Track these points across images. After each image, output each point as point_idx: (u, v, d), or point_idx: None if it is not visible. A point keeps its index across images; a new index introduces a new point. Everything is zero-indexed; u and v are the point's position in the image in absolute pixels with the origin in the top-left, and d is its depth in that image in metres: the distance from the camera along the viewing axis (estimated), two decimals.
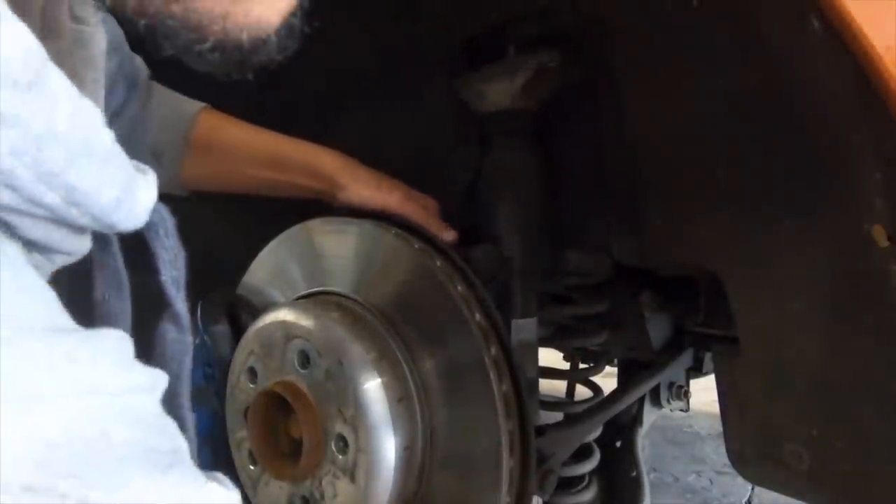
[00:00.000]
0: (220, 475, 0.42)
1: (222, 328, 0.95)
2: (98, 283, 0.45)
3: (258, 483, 0.85)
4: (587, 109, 0.91)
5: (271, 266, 0.95)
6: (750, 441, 0.82)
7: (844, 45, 0.59)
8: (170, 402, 0.44)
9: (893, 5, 0.60)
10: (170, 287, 0.46)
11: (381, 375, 0.78)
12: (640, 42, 0.80)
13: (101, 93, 0.47)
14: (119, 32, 0.76)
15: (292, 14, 0.41)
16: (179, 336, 0.47)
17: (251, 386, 0.85)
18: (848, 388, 0.73)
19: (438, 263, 0.80)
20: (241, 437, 0.86)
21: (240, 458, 0.87)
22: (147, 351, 0.46)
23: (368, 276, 0.84)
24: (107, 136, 0.35)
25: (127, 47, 0.80)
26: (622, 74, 0.83)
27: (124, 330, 0.44)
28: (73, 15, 0.43)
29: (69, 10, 0.42)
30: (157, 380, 0.38)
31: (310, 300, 0.88)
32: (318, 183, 0.90)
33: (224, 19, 0.37)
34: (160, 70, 0.94)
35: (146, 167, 0.42)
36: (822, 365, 0.74)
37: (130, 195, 0.38)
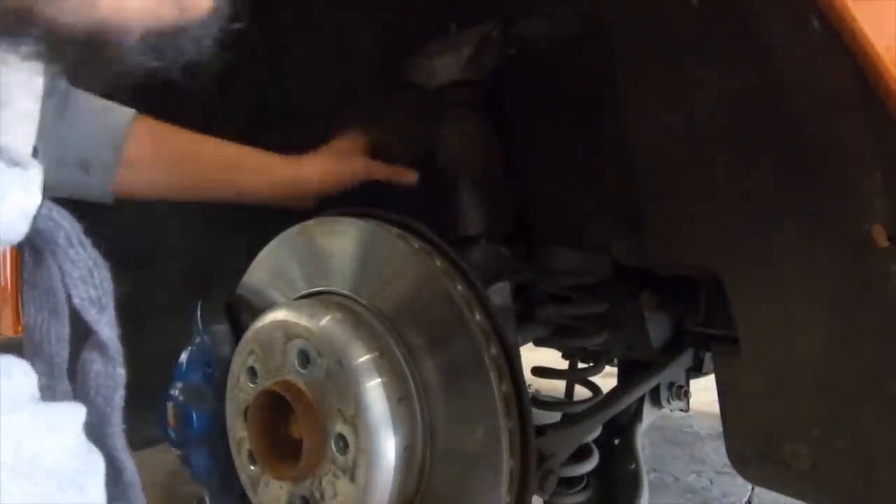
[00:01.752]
0: None
1: (222, 328, 0.95)
2: (29, 305, 0.38)
3: (258, 483, 0.85)
4: (587, 109, 0.91)
5: (271, 266, 0.95)
6: (750, 441, 0.82)
7: (844, 45, 0.59)
8: (97, 440, 0.39)
9: (893, 5, 0.60)
10: (87, 310, 0.38)
11: (381, 375, 0.78)
12: (639, 42, 0.80)
13: (39, 78, 0.40)
14: None
15: (221, 13, 0.35)
16: (106, 368, 0.39)
17: (251, 386, 0.85)
18: (848, 388, 0.72)
19: (438, 263, 0.80)
20: (241, 437, 0.86)
21: (240, 458, 0.87)
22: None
23: (368, 275, 0.84)
24: None
25: None
26: (622, 74, 0.83)
27: (61, 359, 0.39)
28: None
29: None
30: (67, 417, 0.32)
31: (310, 300, 0.88)
32: (277, 181, 0.88)
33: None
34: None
35: (26, 160, 0.36)
36: (823, 365, 0.74)
37: None
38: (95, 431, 0.38)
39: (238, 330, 0.93)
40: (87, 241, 0.39)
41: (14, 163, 0.34)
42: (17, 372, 0.32)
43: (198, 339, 0.95)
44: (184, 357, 0.96)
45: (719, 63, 0.73)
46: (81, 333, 0.40)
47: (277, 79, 1.24)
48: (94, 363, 0.39)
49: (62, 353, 0.39)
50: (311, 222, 0.90)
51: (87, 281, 0.39)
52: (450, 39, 0.97)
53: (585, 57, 0.88)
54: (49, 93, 0.79)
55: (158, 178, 0.85)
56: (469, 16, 0.98)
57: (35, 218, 0.36)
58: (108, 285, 0.40)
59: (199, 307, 0.96)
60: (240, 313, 0.96)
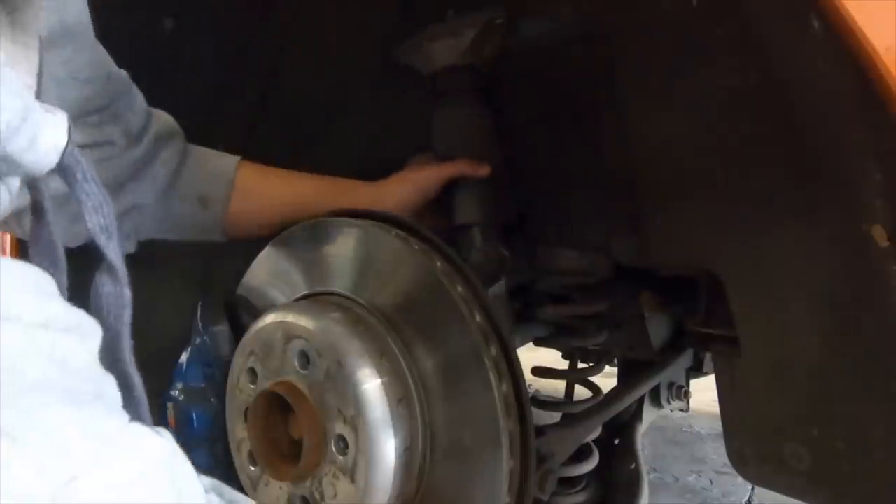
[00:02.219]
0: (157, 428, 0.39)
1: (222, 328, 0.95)
2: (32, 258, 0.42)
3: (258, 483, 0.85)
4: (587, 109, 0.91)
5: (271, 266, 0.95)
6: (750, 441, 0.82)
7: (844, 45, 0.59)
8: (110, 359, 0.42)
9: (893, 5, 0.60)
10: (98, 235, 0.43)
11: (381, 376, 0.78)
12: (639, 41, 0.80)
13: (35, 55, 0.45)
14: (100, 63, 0.79)
15: None
16: (116, 289, 0.43)
17: (251, 386, 0.85)
18: (848, 389, 0.73)
19: (438, 263, 0.80)
20: (241, 437, 0.86)
21: (240, 458, 0.87)
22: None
23: (368, 276, 0.84)
24: None
25: (131, 92, 0.84)
26: (622, 74, 0.83)
27: None
28: None
29: None
30: (87, 325, 0.36)
31: (310, 300, 0.88)
32: (367, 203, 0.93)
33: None
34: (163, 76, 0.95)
35: (54, 108, 0.41)
36: (823, 365, 0.74)
37: (30, 126, 0.36)
38: (109, 348, 0.42)
39: (238, 330, 0.93)
40: (98, 178, 0.44)
41: (46, 109, 0.39)
42: (44, 275, 0.35)
43: (198, 339, 0.95)
44: (184, 357, 0.96)
45: (719, 63, 0.73)
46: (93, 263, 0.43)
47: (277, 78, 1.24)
48: (105, 285, 0.43)
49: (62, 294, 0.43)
50: (310, 223, 0.90)
51: (98, 211, 0.43)
52: (452, 23, 0.95)
53: (585, 57, 0.88)
54: (166, 138, 0.88)
55: (263, 209, 0.94)
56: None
57: (62, 153, 0.41)
58: (114, 218, 0.45)
59: (199, 307, 0.96)
60: (240, 313, 0.96)
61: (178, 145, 0.91)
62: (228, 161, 0.94)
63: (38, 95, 0.44)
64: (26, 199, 0.44)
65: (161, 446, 0.35)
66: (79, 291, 0.43)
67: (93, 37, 0.76)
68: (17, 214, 0.58)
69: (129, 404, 0.42)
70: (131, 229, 0.89)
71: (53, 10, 0.65)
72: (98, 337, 0.37)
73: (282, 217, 0.94)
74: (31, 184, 0.42)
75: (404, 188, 0.96)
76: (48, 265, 0.42)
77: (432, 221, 0.97)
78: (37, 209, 0.43)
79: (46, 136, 0.38)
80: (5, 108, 0.34)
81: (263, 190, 0.94)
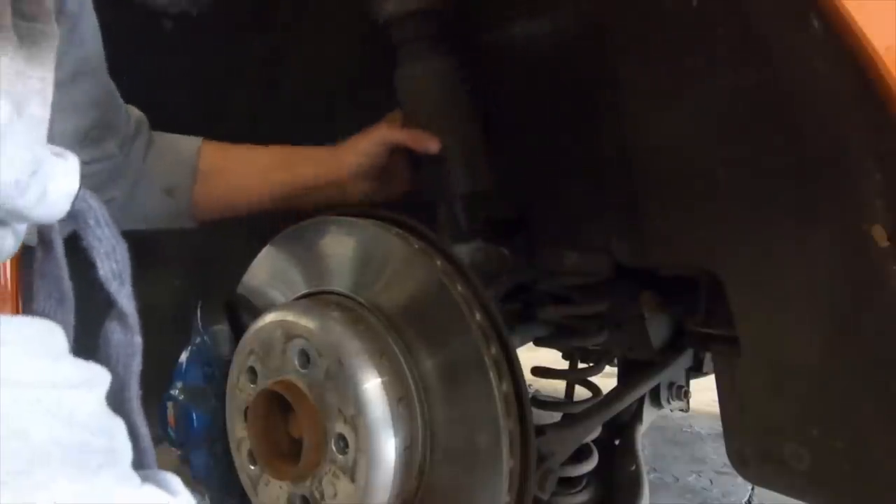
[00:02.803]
0: (167, 476, 0.39)
1: (222, 328, 0.95)
2: (37, 293, 0.42)
3: (258, 483, 0.85)
4: (587, 109, 0.91)
5: (271, 266, 0.95)
6: (750, 441, 0.82)
7: (844, 45, 0.59)
8: (118, 407, 0.42)
9: (893, 5, 0.60)
10: (110, 281, 0.42)
11: (381, 375, 0.78)
12: (639, 41, 0.80)
13: (50, 87, 0.46)
14: (110, 93, 0.81)
15: None
16: (126, 337, 0.43)
17: (251, 386, 0.85)
18: (848, 389, 0.72)
19: (439, 263, 0.80)
20: (241, 437, 0.86)
21: (240, 458, 0.87)
22: (94, 358, 0.42)
23: (368, 275, 0.84)
24: (1, 114, 0.33)
25: (121, 102, 0.85)
26: (622, 74, 0.83)
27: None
28: (22, 12, 0.43)
29: (15, 8, 0.42)
30: (95, 376, 0.35)
31: (310, 300, 0.88)
32: (322, 166, 0.93)
33: None
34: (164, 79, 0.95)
35: (66, 152, 0.40)
36: (822, 365, 0.74)
37: (39, 180, 0.36)
38: (116, 397, 0.41)
39: (238, 330, 0.93)
40: (111, 222, 0.43)
41: (57, 154, 0.38)
42: (55, 329, 0.34)
43: (198, 339, 0.95)
44: (184, 357, 0.96)
45: (719, 63, 0.73)
46: (101, 309, 0.42)
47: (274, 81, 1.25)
48: (115, 333, 0.42)
49: (67, 338, 0.41)
50: (310, 222, 0.90)
51: (111, 256, 0.42)
52: None
53: (585, 56, 0.88)
54: (136, 134, 0.88)
55: (229, 189, 0.94)
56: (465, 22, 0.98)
57: (73, 200, 0.40)
58: (127, 262, 0.44)
59: (199, 307, 0.96)
60: (240, 313, 0.96)
61: (145, 137, 0.90)
62: (190, 146, 0.93)
63: (51, 127, 0.44)
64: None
65: (166, 501, 0.35)
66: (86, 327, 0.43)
67: (104, 65, 0.78)
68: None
69: (138, 454, 0.42)
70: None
71: (77, 44, 0.66)
72: (107, 383, 0.36)
73: (248, 194, 0.94)
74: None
75: (357, 144, 0.93)
76: (54, 300, 0.42)
77: (382, 188, 0.96)
78: (44, 241, 0.42)
79: (57, 186, 0.38)
80: (13, 165, 0.34)
81: (227, 170, 0.93)
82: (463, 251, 0.94)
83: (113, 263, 0.43)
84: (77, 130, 0.74)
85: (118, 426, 0.36)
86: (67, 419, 0.31)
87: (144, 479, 0.37)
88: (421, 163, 0.96)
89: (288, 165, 0.94)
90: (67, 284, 0.42)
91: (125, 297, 0.43)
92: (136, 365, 0.44)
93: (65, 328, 0.42)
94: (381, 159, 0.93)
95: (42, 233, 0.42)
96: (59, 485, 0.29)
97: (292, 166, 0.94)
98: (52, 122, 0.45)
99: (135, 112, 0.90)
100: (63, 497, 0.29)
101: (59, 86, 0.49)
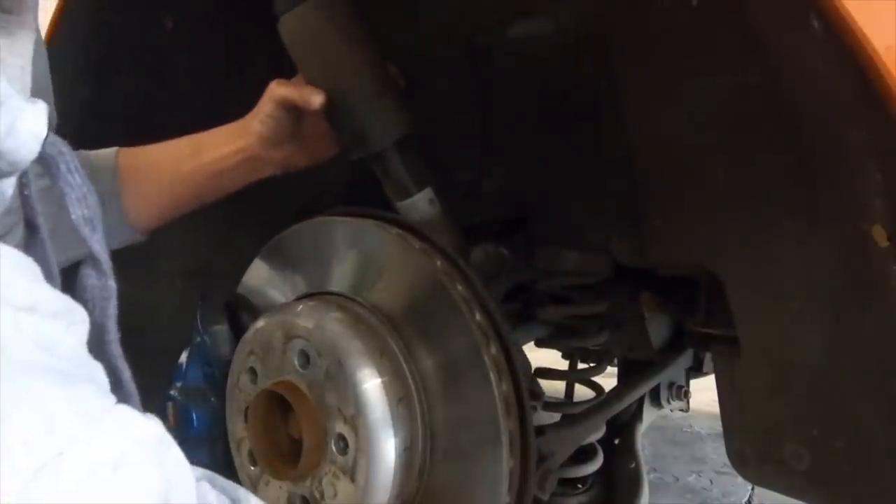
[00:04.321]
0: (150, 415, 0.38)
1: (222, 328, 0.95)
2: None
3: (258, 483, 0.85)
4: (587, 109, 0.91)
5: (271, 266, 0.95)
6: (750, 441, 0.82)
7: (844, 45, 0.59)
8: (97, 349, 0.42)
9: (893, 5, 0.60)
10: (82, 226, 0.43)
11: (381, 375, 0.78)
12: (640, 42, 0.80)
13: (28, 78, 0.46)
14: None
15: None
16: (100, 281, 0.43)
17: (251, 386, 0.85)
18: (848, 389, 0.72)
19: (438, 263, 0.80)
20: (241, 436, 0.86)
21: (240, 458, 0.87)
22: None
23: (368, 276, 0.84)
24: None
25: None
26: (622, 74, 0.83)
27: None
28: (1, 6, 0.43)
29: None
30: (75, 312, 0.35)
31: (310, 300, 0.88)
32: (230, 141, 0.89)
33: None
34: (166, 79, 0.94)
35: (36, 99, 0.40)
36: (822, 365, 0.74)
37: (7, 111, 0.36)
38: (94, 339, 0.41)
39: (238, 330, 0.93)
40: (82, 171, 0.43)
41: (24, 99, 0.39)
42: (30, 261, 0.34)
43: (198, 339, 0.95)
44: (184, 357, 0.97)
45: (719, 63, 0.73)
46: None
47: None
48: (89, 277, 0.43)
49: None
50: (310, 222, 0.90)
51: (82, 202, 0.43)
52: None
53: (585, 57, 0.88)
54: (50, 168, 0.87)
55: (159, 187, 0.90)
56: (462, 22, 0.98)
57: (44, 143, 0.40)
58: (98, 209, 0.44)
59: (199, 307, 0.96)
60: (240, 313, 0.96)
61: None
62: (107, 153, 0.90)
63: None
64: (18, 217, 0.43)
65: (149, 429, 0.35)
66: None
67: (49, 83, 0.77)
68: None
69: (119, 396, 0.41)
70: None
71: (39, 65, 0.65)
72: (86, 325, 0.36)
73: (171, 189, 0.91)
74: (24, 200, 0.42)
75: (257, 117, 0.89)
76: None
77: (300, 154, 0.92)
78: (30, 225, 0.42)
79: (25, 123, 0.38)
80: None
81: (145, 168, 0.90)
82: (421, 203, 0.89)
83: (84, 209, 0.43)
84: None
85: (97, 368, 0.36)
86: (48, 349, 0.31)
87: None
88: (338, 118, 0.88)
89: (198, 149, 0.90)
90: (53, 263, 0.42)
91: (97, 243, 0.43)
92: (112, 308, 0.44)
93: None
94: (286, 121, 0.88)
95: (27, 217, 0.42)
96: (40, 385, 0.29)
97: (202, 149, 0.90)
98: None
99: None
100: (42, 399, 0.29)
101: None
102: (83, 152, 0.89)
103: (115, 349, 0.44)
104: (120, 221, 0.89)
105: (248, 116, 0.90)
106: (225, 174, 0.90)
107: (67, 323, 0.34)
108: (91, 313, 0.41)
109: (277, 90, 0.86)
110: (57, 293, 0.34)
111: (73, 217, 0.42)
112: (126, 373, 0.45)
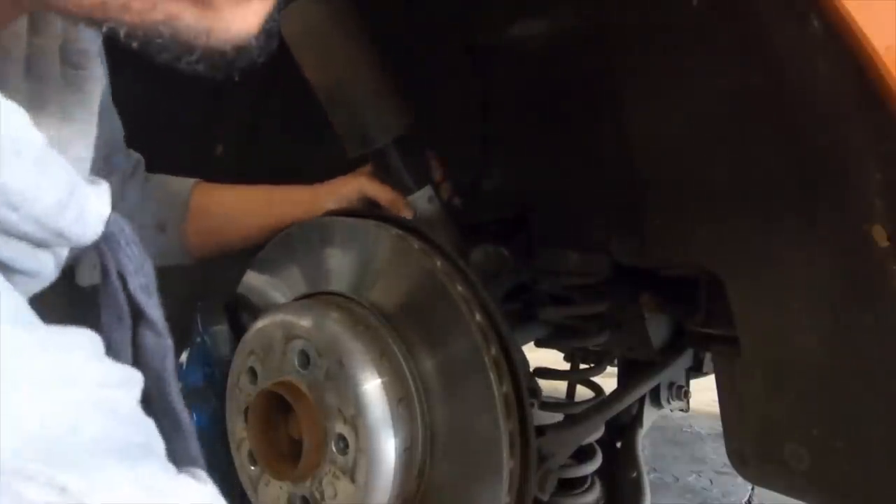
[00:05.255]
0: (197, 471, 0.43)
1: (222, 328, 0.95)
2: (102, 313, 0.46)
3: (258, 483, 0.85)
4: (587, 109, 0.91)
5: (271, 266, 0.95)
6: (750, 441, 0.82)
7: (844, 45, 0.59)
8: (160, 403, 0.47)
9: (893, 5, 0.60)
10: (139, 294, 0.47)
11: (381, 376, 0.78)
12: (640, 42, 0.80)
13: (93, 129, 0.50)
14: (118, 131, 0.85)
15: (270, 19, 0.42)
16: (157, 340, 0.48)
17: (251, 386, 0.85)
18: (848, 389, 0.72)
19: (438, 263, 0.80)
20: (241, 437, 0.86)
21: (240, 458, 0.87)
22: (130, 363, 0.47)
23: (368, 276, 0.84)
24: (38, 138, 0.35)
25: (122, 140, 0.89)
26: (622, 74, 0.83)
27: (126, 359, 0.46)
28: (70, 62, 0.48)
29: (64, 57, 0.47)
30: (132, 378, 0.38)
31: (310, 300, 0.88)
32: (301, 208, 0.96)
33: (207, 35, 0.39)
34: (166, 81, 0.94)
35: (99, 180, 0.44)
36: (822, 365, 0.74)
37: (77, 200, 0.38)
38: (155, 390, 0.46)
39: (238, 330, 0.93)
40: (138, 240, 0.48)
41: (89, 180, 0.42)
42: (95, 335, 0.37)
43: (198, 339, 0.95)
44: (184, 357, 0.96)
45: (719, 63, 0.73)
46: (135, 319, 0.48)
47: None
48: (147, 337, 0.47)
49: (126, 353, 0.47)
50: (310, 222, 0.90)
51: (139, 272, 0.47)
52: None
53: (585, 56, 0.88)
54: (133, 173, 0.92)
55: (221, 226, 0.97)
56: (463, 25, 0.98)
57: (106, 222, 0.44)
58: (153, 276, 0.49)
59: (199, 307, 0.96)
60: (240, 313, 0.96)
61: (141, 176, 0.94)
62: (183, 184, 0.97)
63: (94, 169, 0.49)
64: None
65: (202, 491, 0.39)
66: None
67: (111, 103, 0.81)
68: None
69: (180, 440, 0.48)
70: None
71: None
72: (140, 386, 0.39)
73: (233, 232, 0.98)
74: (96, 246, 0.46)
75: (336, 198, 0.96)
76: (115, 320, 0.46)
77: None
78: (102, 270, 0.46)
79: (92, 208, 0.41)
80: (55, 185, 0.36)
81: (214, 209, 0.97)
82: (420, 201, 0.91)
83: (141, 278, 0.47)
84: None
85: (151, 424, 0.39)
86: (112, 414, 0.34)
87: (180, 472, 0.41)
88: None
89: (269, 206, 0.97)
90: (124, 304, 0.46)
91: (153, 308, 0.48)
92: (170, 363, 0.49)
93: (124, 346, 0.47)
94: (359, 204, 0.96)
95: (101, 262, 0.46)
96: (110, 470, 0.31)
97: (273, 207, 0.97)
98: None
99: (134, 154, 0.94)
100: (110, 483, 0.31)
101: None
102: (160, 177, 0.97)
103: (176, 399, 0.49)
104: (177, 248, 0.96)
105: (324, 190, 0.96)
106: (281, 228, 0.96)
107: (128, 388, 0.37)
108: (149, 366, 0.47)
109: (369, 187, 0.94)
110: (116, 364, 0.37)
111: (130, 287, 0.46)
112: (185, 417, 0.50)
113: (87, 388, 0.33)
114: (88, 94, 0.50)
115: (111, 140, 0.84)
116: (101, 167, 0.83)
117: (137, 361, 0.47)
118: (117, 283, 0.46)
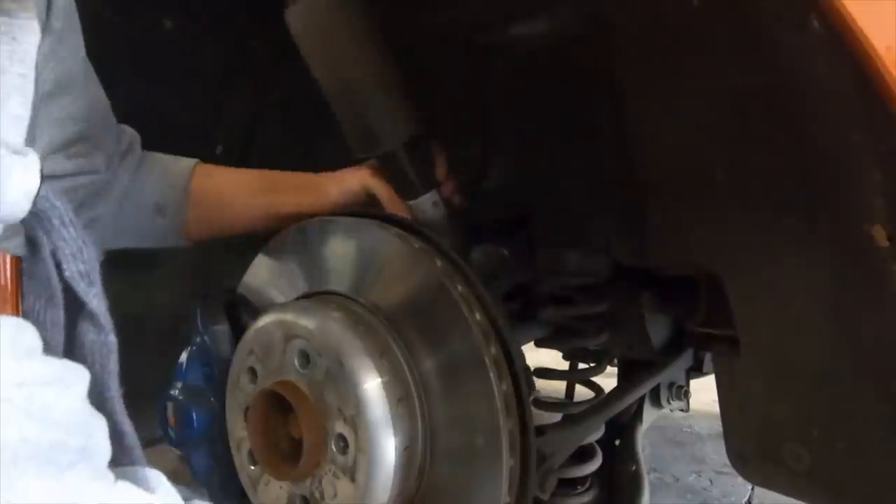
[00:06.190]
0: (148, 473, 0.39)
1: (222, 328, 0.95)
2: (27, 294, 0.41)
3: (258, 483, 0.85)
4: (587, 109, 0.91)
5: (271, 266, 0.95)
6: (750, 441, 0.82)
7: (844, 45, 0.59)
8: (100, 405, 0.41)
9: (893, 5, 0.60)
10: (78, 282, 0.42)
11: (381, 375, 0.78)
12: (640, 42, 0.80)
13: (30, 87, 0.45)
14: (100, 104, 0.79)
15: None
16: (99, 337, 0.43)
17: (251, 386, 0.85)
18: (848, 389, 0.73)
19: (439, 263, 0.80)
20: (241, 437, 0.86)
21: (240, 458, 0.87)
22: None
23: (368, 275, 0.84)
24: None
25: (114, 120, 0.85)
26: (622, 74, 0.83)
27: (56, 342, 0.42)
28: (2, 8, 0.42)
29: None
30: (71, 374, 0.35)
31: (310, 300, 0.88)
32: (305, 195, 0.94)
33: None
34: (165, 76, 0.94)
35: (26, 149, 0.40)
36: (823, 365, 0.74)
37: None
38: (95, 397, 0.41)
39: (238, 330, 0.93)
40: (77, 222, 0.42)
41: (14, 151, 0.38)
42: (26, 328, 0.34)
43: (198, 339, 0.95)
44: (184, 357, 0.96)
45: (720, 63, 0.73)
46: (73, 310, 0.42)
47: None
48: (88, 333, 0.42)
49: (58, 337, 0.42)
50: (310, 222, 0.90)
51: (77, 257, 0.42)
52: None
53: (585, 57, 0.88)
54: (128, 152, 0.87)
55: (221, 210, 0.95)
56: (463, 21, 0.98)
57: (35, 199, 0.39)
58: (96, 262, 0.43)
59: (199, 307, 0.96)
60: (240, 313, 0.96)
61: (136, 155, 0.91)
62: (184, 166, 0.94)
63: (32, 128, 0.43)
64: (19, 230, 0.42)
65: (141, 499, 0.35)
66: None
67: (93, 76, 0.76)
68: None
69: (122, 452, 0.42)
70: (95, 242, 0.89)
71: (61, 60, 0.64)
72: (86, 381, 0.36)
73: (234, 216, 0.95)
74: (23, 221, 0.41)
75: (340, 188, 0.94)
76: (44, 300, 0.41)
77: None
78: (32, 243, 0.42)
79: (14, 182, 0.37)
80: None
81: (216, 191, 0.94)
82: (426, 204, 0.91)
83: (80, 264, 0.42)
84: (52, 143, 0.71)
85: (98, 424, 0.36)
86: (40, 417, 0.31)
87: (122, 476, 0.37)
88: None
89: (273, 192, 0.95)
90: (56, 283, 0.41)
91: (94, 297, 0.43)
92: (113, 363, 0.44)
93: (54, 328, 0.41)
94: (359, 200, 0.95)
95: (29, 235, 0.41)
96: (25, 482, 0.29)
97: (277, 193, 0.95)
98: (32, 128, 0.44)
99: (128, 130, 0.90)
100: (31, 494, 0.29)
101: (39, 99, 0.48)
102: (159, 156, 0.93)
103: (117, 405, 0.44)
104: (174, 231, 0.93)
105: (329, 180, 0.94)
106: (286, 220, 0.94)
107: (63, 386, 0.34)
108: (91, 368, 0.41)
109: (372, 182, 0.92)
110: (48, 360, 0.34)
111: (66, 273, 0.41)
112: (128, 427, 0.44)
113: (3, 389, 0.30)
114: (23, 44, 0.44)
115: (89, 114, 0.76)
116: (86, 147, 0.78)
117: (79, 359, 0.42)
118: (49, 261, 0.41)
